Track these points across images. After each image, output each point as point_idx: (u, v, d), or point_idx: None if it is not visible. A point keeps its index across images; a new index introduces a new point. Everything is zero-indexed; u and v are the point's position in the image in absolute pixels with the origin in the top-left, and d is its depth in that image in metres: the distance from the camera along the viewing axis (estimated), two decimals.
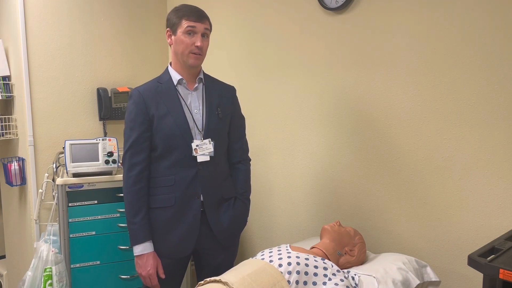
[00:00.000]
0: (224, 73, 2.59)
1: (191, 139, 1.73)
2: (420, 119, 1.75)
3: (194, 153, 1.72)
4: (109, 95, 2.70)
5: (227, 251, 1.86)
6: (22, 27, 2.47)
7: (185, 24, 1.68)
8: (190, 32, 1.68)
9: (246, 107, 2.51)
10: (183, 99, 1.75)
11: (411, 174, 1.80)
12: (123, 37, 2.84)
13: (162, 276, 1.75)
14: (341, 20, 1.99)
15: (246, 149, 1.96)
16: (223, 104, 1.82)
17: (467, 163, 1.63)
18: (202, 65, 1.82)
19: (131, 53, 2.88)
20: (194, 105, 1.77)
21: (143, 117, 1.72)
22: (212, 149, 1.75)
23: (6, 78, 2.60)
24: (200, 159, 1.73)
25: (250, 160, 1.97)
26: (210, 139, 1.75)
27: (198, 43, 1.68)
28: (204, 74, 1.84)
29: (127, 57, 2.86)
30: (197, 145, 1.73)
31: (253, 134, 2.45)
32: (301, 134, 2.22)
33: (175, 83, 1.76)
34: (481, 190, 1.60)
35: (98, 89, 2.70)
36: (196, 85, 1.79)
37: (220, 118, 1.79)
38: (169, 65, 1.80)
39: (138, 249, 1.71)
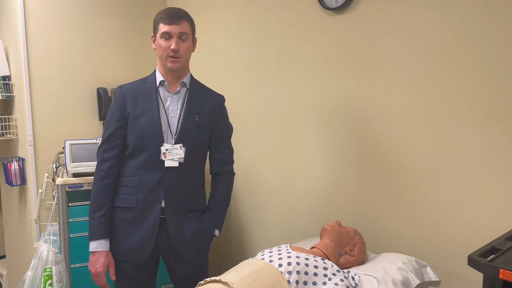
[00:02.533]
0: (224, 73, 2.59)
1: (161, 142, 1.69)
2: (420, 119, 1.75)
3: (162, 157, 1.68)
4: (109, 95, 2.70)
5: (191, 263, 1.78)
6: (22, 27, 2.47)
7: (161, 28, 1.67)
8: (165, 36, 1.66)
9: (245, 108, 2.51)
10: (162, 101, 1.73)
11: (411, 174, 1.80)
12: (123, 37, 2.84)
13: (113, 277, 1.72)
14: (341, 20, 1.99)
15: (229, 161, 1.88)
16: (204, 112, 1.76)
17: (467, 163, 1.63)
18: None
19: (131, 53, 2.88)
20: (172, 109, 1.74)
21: (120, 115, 1.71)
22: (182, 155, 1.70)
23: (6, 78, 2.60)
24: (167, 163, 1.69)
25: (233, 174, 1.91)
26: (181, 144, 1.70)
27: (173, 46, 1.65)
28: (192, 79, 1.81)
29: (127, 57, 2.86)
30: (166, 149, 1.69)
31: (253, 134, 2.45)
32: (300, 134, 2.22)
33: (157, 84, 1.74)
34: (481, 190, 1.60)
35: (98, 89, 2.70)
36: (178, 88, 1.76)
37: (197, 125, 1.74)
38: (157, 67, 1.79)
39: (92, 245, 1.69)
